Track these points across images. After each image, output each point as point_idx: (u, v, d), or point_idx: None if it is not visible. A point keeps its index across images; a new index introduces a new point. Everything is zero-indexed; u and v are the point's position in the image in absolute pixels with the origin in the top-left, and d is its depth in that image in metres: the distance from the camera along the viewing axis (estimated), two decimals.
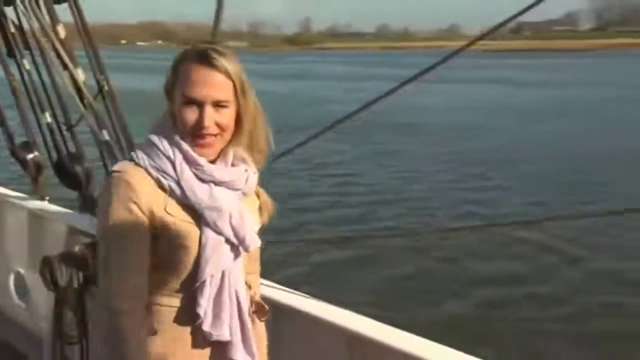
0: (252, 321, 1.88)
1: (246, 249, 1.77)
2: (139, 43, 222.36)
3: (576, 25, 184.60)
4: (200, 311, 1.69)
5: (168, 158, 1.69)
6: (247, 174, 1.79)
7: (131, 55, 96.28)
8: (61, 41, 3.35)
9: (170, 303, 1.74)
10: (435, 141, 18.40)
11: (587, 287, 8.00)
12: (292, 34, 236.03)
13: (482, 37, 2.43)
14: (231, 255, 1.75)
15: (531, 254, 8.83)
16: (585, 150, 16.71)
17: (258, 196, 1.92)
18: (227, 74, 1.66)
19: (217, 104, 1.66)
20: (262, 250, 1.91)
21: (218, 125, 1.67)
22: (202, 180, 1.71)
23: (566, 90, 35.35)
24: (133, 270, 1.68)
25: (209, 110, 1.65)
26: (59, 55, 3.32)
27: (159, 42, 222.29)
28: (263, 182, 1.90)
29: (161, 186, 1.68)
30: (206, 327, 1.71)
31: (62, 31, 3.38)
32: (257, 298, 1.99)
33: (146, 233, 1.68)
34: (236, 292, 1.78)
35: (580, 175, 13.58)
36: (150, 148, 1.72)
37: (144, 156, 1.70)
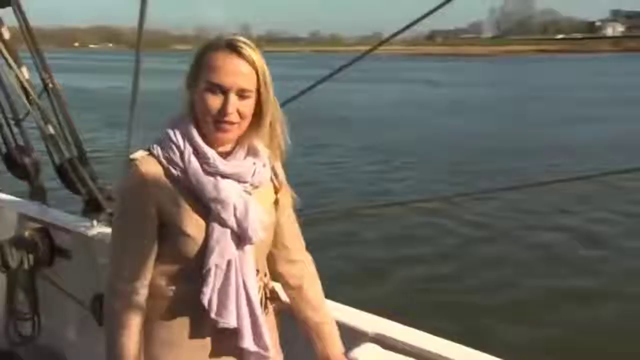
0: (266, 309, 1.80)
1: (248, 241, 1.66)
2: (91, 45, 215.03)
3: (479, 34, 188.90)
4: (205, 299, 1.60)
5: (178, 149, 1.60)
6: (254, 167, 1.68)
7: (83, 57, 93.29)
8: (5, 42, 3.25)
9: (178, 291, 1.66)
10: (359, 132, 18.54)
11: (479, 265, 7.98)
12: None
13: (382, 43, 2.52)
14: (237, 245, 1.64)
15: (430, 232, 8.90)
16: (484, 138, 17.38)
17: (276, 190, 1.79)
18: (253, 65, 1.57)
19: (241, 93, 1.57)
20: None
21: (239, 113, 1.57)
22: (209, 173, 1.60)
23: (470, 89, 36.27)
24: (134, 255, 1.62)
25: (233, 97, 1.55)
26: (3, 56, 3.22)
27: (110, 44, 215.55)
28: None
29: (171, 176, 1.59)
30: (212, 314, 1.62)
31: (6, 33, 3.29)
32: (272, 285, 1.89)
33: (152, 221, 1.60)
34: (244, 282, 1.67)
35: (478, 159, 14.13)
36: (164, 139, 1.62)
37: (158, 147, 1.61)
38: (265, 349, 1.70)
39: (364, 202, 10.39)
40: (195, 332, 1.67)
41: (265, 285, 1.83)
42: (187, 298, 1.64)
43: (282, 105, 1.68)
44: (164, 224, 1.61)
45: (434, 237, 8.69)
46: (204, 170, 1.59)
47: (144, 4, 1.82)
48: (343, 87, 27.22)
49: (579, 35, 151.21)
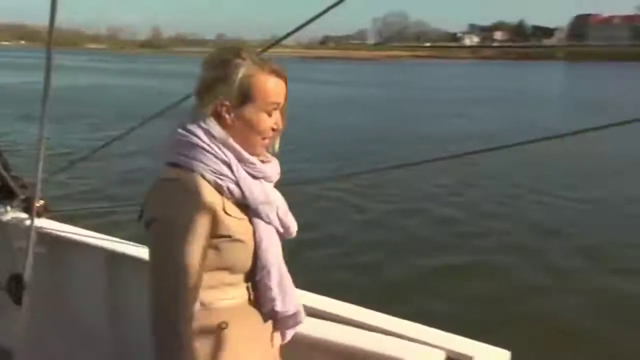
0: None
1: (291, 235, 1.62)
2: (3, 43, 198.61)
3: (365, 40, 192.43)
4: (274, 295, 1.53)
5: (223, 161, 1.45)
6: (278, 166, 1.63)
7: None
8: None
9: (235, 297, 1.51)
10: None
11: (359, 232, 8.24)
12: (145, 39, 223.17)
13: (272, 44, 2.45)
14: (280, 242, 1.59)
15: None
16: (360, 130, 17.98)
17: None
18: (287, 85, 1.56)
19: (280, 108, 1.55)
20: None
21: (277, 125, 1.54)
22: (255, 177, 1.51)
23: (357, 88, 37.06)
24: (194, 274, 1.39)
25: (277, 114, 1.53)
26: None
27: (22, 42, 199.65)
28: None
29: (218, 188, 1.44)
30: (278, 308, 1.55)
31: None
32: None
33: (207, 237, 1.40)
34: (284, 270, 1.61)
35: (351, 147, 14.73)
36: (200, 153, 1.44)
37: (196, 162, 1.43)
38: (303, 316, 1.67)
39: None
40: (258, 333, 1.58)
41: None
42: (245, 302, 1.53)
43: (178, 102, 1.62)
44: (217, 236, 1.43)
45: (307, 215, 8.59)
46: (251, 176, 1.50)
47: (55, 4, 1.73)
48: None
49: (444, 44, 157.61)
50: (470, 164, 11.24)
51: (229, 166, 1.45)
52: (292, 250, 1.75)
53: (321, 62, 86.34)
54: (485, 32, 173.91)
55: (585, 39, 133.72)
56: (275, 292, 1.53)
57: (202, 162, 1.43)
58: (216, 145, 1.45)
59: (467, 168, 11.35)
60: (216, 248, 1.43)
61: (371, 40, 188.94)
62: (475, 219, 8.98)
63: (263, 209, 1.51)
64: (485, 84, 41.23)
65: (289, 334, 1.68)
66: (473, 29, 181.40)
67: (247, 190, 1.47)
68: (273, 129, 1.52)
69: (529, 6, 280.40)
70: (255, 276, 1.52)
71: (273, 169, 1.59)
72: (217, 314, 1.47)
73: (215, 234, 1.41)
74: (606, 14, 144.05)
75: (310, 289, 2.20)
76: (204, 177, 1.42)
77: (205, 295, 1.45)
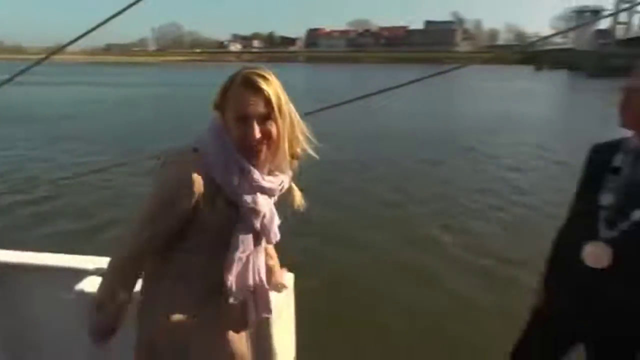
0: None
1: (270, 242, 1.48)
2: None
3: (146, 47, 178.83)
4: (228, 283, 1.39)
5: (223, 160, 1.31)
6: (283, 183, 1.45)
7: None
8: None
9: (206, 276, 1.40)
10: (43, 125, 16.10)
11: None
12: None
13: (55, 52, 2.28)
14: (255, 242, 1.43)
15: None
16: (139, 125, 16.63)
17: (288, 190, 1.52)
18: (267, 94, 1.30)
19: (261, 118, 1.31)
20: None
21: (264, 134, 1.31)
22: (251, 187, 1.35)
23: (139, 88, 34.48)
24: (155, 231, 1.32)
25: (254, 123, 1.30)
26: None
27: None
28: None
29: (213, 181, 1.30)
30: (231, 294, 1.41)
31: None
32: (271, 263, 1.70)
33: (183, 213, 1.30)
34: (258, 268, 1.47)
35: (129, 139, 13.61)
36: (210, 144, 1.33)
37: (205, 150, 1.32)
38: (269, 312, 1.53)
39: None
40: (217, 306, 1.44)
41: (272, 266, 1.71)
42: (214, 281, 1.40)
43: None
44: (196, 218, 1.32)
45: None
46: (246, 184, 1.34)
47: None
48: (27, 89, 23.75)
49: (214, 50, 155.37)
50: None
51: (227, 166, 1.32)
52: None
53: (108, 66, 77.74)
54: (245, 40, 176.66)
55: (317, 47, 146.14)
56: (230, 281, 1.40)
57: (207, 150, 1.33)
58: (219, 145, 1.34)
59: None
60: (196, 227, 1.34)
61: (152, 47, 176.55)
62: None
63: (249, 215, 1.37)
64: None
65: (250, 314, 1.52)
66: (236, 38, 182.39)
67: (236, 193, 1.34)
68: (259, 139, 1.31)
69: (276, 21, 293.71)
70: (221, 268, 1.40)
71: (273, 184, 1.40)
72: (192, 285, 1.40)
73: (196, 215, 1.32)
74: (329, 29, 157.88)
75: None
76: (204, 165, 1.31)
77: (191, 270, 1.39)
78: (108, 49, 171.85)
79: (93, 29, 2.03)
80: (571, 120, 19.43)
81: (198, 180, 1.27)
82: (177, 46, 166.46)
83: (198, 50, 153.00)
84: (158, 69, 74.28)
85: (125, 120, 18.08)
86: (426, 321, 4.10)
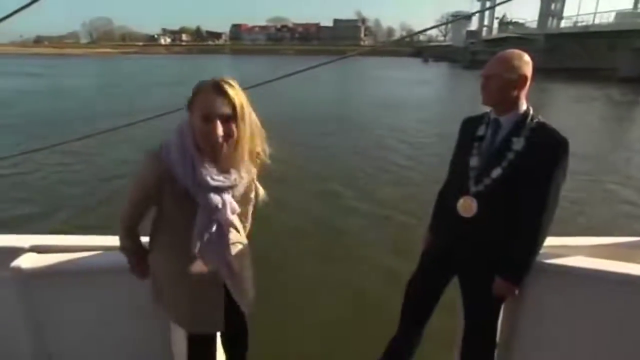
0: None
1: (225, 227, 1.45)
2: None
3: (78, 39, 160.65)
4: (196, 252, 1.41)
5: (182, 158, 1.32)
6: (242, 180, 1.44)
7: None
8: None
9: (176, 245, 1.45)
10: None
11: None
12: None
13: None
14: (216, 226, 1.42)
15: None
16: (64, 112, 14.82)
17: (250, 187, 1.55)
18: (232, 100, 1.29)
19: (223, 119, 1.30)
20: None
21: (225, 134, 1.31)
22: (203, 186, 1.34)
23: (69, 79, 30.69)
24: (136, 206, 1.43)
25: (218, 123, 1.30)
26: None
27: None
28: None
29: (173, 175, 1.33)
30: (199, 260, 1.45)
31: None
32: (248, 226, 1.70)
33: (155, 195, 1.37)
34: (224, 241, 1.46)
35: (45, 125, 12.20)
36: (174, 144, 1.33)
37: (168, 149, 1.33)
38: (239, 276, 1.55)
39: None
40: (194, 267, 1.47)
41: (244, 227, 1.65)
42: (187, 253, 1.43)
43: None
44: (163, 203, 1.40)
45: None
46: (199, 182, 1.34)
47: None
48: None
49: (146, 43, 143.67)
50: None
51: (184, 164, 1.33)
52: None
53: (39, 59, 68.34)
54: (174, 34, 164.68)
55: (240, 40, 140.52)
56: (197, 252, 1.43)
57: (169, 151, 1.34)
58: (181, 143, 1.34)
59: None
60: (164, 213, 1.44)
61: (84, 40, 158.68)
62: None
63: (205, 208, 1.38)
64: (173, 72, 39.45)
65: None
66: (165, 32, 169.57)
67: (193, 188, 1.35)
68: (222, 137, 1.32)
69: (201, 17, 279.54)
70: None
71: (229, 182, 1.40)
72: (168, 254, 1.49)
73: (163, 200, 1.39)
74: (250, 24, 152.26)
75: None
76: (167, 162, 1.33)
77: (166, 240, 1.48)
78: (38, 40, 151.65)
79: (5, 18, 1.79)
80: (451, 100, 20.83)
81: (158, 174, 1.32)
82: (108, 39, 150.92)
83: (140, 44, 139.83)
84: (92, 60, 66.81)
85: (44, 109, 15.63)
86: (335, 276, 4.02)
